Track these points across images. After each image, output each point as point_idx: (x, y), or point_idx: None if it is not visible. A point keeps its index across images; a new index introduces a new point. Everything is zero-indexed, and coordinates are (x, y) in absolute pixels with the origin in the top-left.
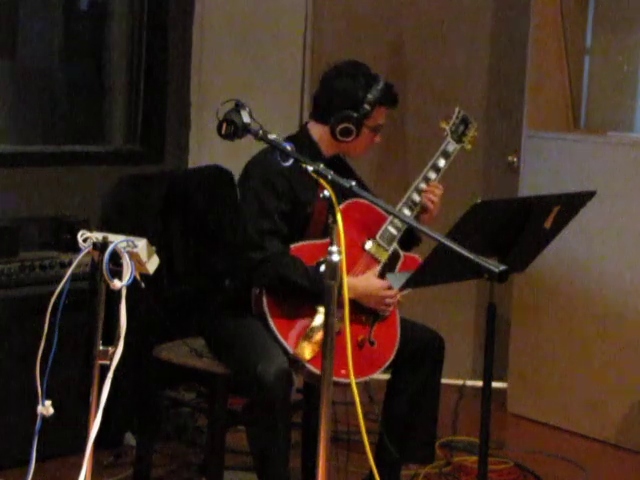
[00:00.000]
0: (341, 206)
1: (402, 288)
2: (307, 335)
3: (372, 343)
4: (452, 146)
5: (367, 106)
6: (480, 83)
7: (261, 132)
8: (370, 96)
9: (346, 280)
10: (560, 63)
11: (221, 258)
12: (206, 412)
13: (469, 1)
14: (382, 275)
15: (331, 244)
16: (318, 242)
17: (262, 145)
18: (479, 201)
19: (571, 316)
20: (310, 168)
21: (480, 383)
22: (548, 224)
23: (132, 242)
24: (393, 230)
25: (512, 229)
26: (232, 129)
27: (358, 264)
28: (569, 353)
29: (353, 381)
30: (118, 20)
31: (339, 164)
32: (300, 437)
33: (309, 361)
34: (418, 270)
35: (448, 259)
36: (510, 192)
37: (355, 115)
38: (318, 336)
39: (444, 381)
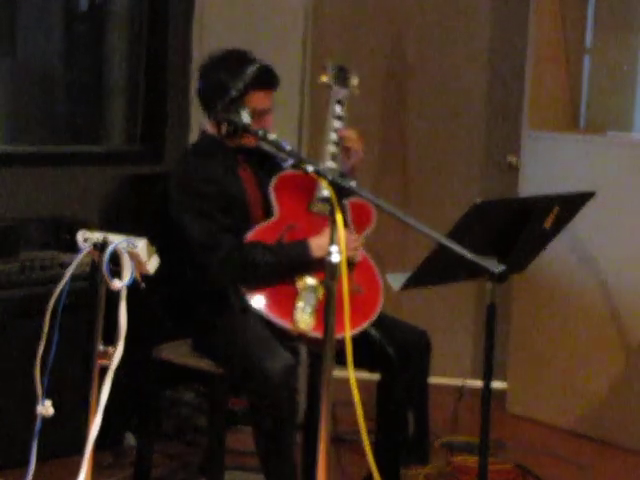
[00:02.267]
0: (271, 187)
1: (403, 288)
2: (298, 308)
3: (359, 291)
4: (341, 93)
5: (235, 92)
6: (480, 83)
7: (261, 132)
8: (239, 82)
9: (345, 272)
10: (560, 63)
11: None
12: (206, 412)
13: (469, 0)
14: None
15: (331, 244)
16: (267, 223)
17: None
18: (479, 201)
19: (571, 316)
20: (310, 168)
21: (480, 383)
22: (548, 224)
23: (132, 242)
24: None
25: (512, 229)
26: (232, 129)
27: (312, 227)
28: (568, 353)
29: (351, 372)
30: (118, 20)
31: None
32: (300, 437)
33: (313, 330)
34: (418, 270)
35: (448, 259)
36: (510, 192)
37: None
38: (310, 304)
39: (444, 381)
